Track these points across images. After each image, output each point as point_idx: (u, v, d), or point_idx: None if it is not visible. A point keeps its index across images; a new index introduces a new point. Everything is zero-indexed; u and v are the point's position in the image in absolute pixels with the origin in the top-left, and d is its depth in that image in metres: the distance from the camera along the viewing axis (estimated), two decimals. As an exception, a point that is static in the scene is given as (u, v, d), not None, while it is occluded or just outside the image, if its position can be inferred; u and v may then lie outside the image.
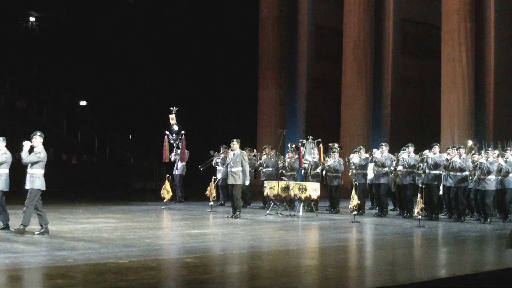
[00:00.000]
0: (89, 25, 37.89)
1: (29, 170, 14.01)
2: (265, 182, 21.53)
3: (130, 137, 39.84)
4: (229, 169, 19.58)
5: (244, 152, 19.88)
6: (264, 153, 24.00)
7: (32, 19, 40.94)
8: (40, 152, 14.00)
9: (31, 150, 14.08)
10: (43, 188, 14.01)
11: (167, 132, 23.01)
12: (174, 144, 23.25)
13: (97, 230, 14.95)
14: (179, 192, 24.22)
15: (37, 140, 14.05)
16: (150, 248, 12.25)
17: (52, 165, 31.12)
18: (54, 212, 19.27)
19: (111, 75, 37.61)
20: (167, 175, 22.62)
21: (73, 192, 27.95)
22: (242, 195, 20.25)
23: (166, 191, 21.94)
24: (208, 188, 21.16)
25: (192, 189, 24.79)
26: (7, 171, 14.34)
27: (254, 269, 10.71)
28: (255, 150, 25.62)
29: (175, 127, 22.87)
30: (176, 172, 24.08)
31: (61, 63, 37.81)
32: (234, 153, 19.43)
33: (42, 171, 14.05)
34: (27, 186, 13.93)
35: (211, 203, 21.13)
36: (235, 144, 19.49)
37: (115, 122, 37.77)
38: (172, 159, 23.63)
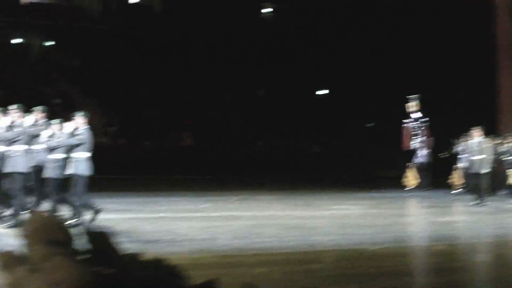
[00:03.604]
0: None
1: (71, 154, 13.07)
2: (509, 170, 20.98)
3: (371, 125, 39.93)
4: (471, 157, 19.32)
5: (485, 140, 19.49)
6: (508, 141, 23.34)
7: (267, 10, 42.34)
8: (82, 134, 13.20)
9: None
10: (88, 173, 13.06)
11: (407, 120, 22.95)
12: (415, 132, 23.14)
13: (344, 216, 15.33)
14: (424, 180, 24.08)
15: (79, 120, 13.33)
16: (399, 235, 12.40)
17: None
18: (304, 198, 19.97)
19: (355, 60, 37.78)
20: (409, 163, 22.58)
21: (316, 179, 28.49)
22: (487, 183, 19.86)
23: (409, 179, 21.94)
24: (453, 176, 20.98)
25: (432, 177, 24.55)
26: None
27: (504, 258, 10.57)
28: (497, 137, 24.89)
29: (416, 115, 22.77)
30: (418, 159, 23.96)
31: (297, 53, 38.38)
32: (475, 141, 19.14)
33: (87, 155, 13.12)
34: (70, 171, 12.98)
35: (456, 191, 20.94)
36: (477, 132, 19.16)
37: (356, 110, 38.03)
38: (412, 146, 23.54)
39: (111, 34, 37.36)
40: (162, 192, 20.70)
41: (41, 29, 36.56)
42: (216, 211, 16.17)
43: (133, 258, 3.40)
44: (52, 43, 36.84)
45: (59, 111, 30.23)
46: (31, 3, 38.22)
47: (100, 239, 3.49)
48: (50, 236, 3.34)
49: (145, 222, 13.42)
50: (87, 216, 12.95)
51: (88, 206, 13.09)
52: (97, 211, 13.07)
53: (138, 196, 19.17)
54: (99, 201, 17.01)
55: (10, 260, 3.32)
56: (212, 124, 33.50)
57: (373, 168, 33.42)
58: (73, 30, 36.51)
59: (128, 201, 17.88)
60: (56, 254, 3.20)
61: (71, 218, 12.87)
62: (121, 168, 26.88)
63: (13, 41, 36.38)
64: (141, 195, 19.65)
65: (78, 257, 3.23)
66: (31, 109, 14.19)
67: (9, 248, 3.32)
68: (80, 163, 12.89)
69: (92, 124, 30.15)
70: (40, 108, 14.19)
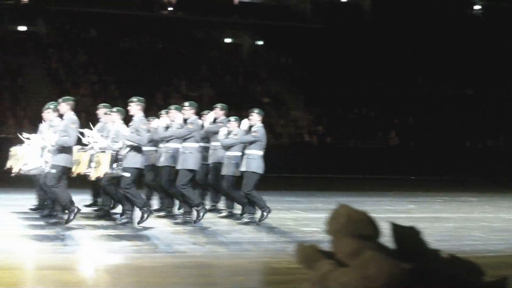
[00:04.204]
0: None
1: (246, 151, 13.10)
2: None
3: None
4: None
5: None
6: None
7: (477, 7, 41.23)
8: (257, 131, 13.17)
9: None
10: (260, 171, 13.05)
11: None
12: None
13: None
14: None
15: (255, 118, 13.33)
16: None
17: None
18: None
19: None
20: None
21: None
22: None
23: None
24: None
25: None
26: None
27: None
28: None
29: None
30: None
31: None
32: None
33: (260, 153, 13.11)
34: (243, 168, 13.07)
35: None
36: None
37: None
38: None
39: (320, 32, 37.91)
40: (368, 192, 20.87)
41: (251, 28, 37.76)
42: (421, 212, 16.14)
43: (435, 254, 3.53)
44: (261, 42, 37.91)
45: (269, 110, 31.21)
46: (241, 3, 39.55)
47: (407, 234, 3.60)
48: (358, 231, 3.47)
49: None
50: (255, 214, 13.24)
51: (257, 205, 13.22)
52: (267, 212, 13.15)
53: (344, 196, 19.42)
54: (310, 200, 17.64)
55: (313, 254, 3.50)
56: (419, 124, 33.14)
57: None
58: (282, 29, 37.40)
59: (335, 200, 18.14)
60: (366, 248, 3.33)
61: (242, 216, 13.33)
62: (328, 167, 27.25)
63: (225, 40, 37.83)
64: (347, 194, 19.90)
65: (387, 252, 3.38)
66: (213, 106, 14.67)
67: (311, 243, 3.51)
68: (253, 161, 12.97)
69: (301, 122, 31.01)
70: (219, 105, 14.56)
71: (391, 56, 36.01)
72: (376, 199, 18.68)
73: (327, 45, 36.58)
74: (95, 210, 13.68)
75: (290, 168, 26.18)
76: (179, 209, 13.77)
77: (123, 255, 9.81)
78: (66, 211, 11.83)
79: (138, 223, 12.15)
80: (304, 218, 14.51)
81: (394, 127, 32.49)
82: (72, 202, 11.86)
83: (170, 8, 37.99)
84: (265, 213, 13.08)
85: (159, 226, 12.38)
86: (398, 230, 3.60)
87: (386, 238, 3.57)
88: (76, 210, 11.84)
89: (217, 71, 33.85)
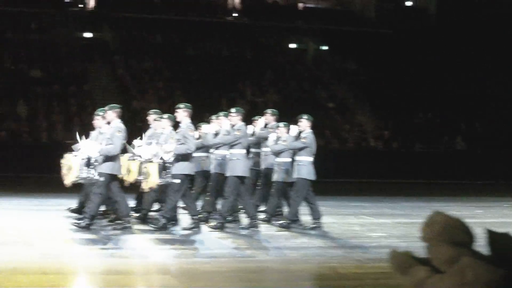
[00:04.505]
0: None
1: (296, 157, 13.03)
2: None
3: None
4: None
5: None
6: None
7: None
8: (306, 138, 13.07)
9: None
10: (311, 177, 12.98)
11: None
12: None
13: None
14: None
15: (304, 123, 13.20)
16: None
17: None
18: None
19: None
20: None
21: None
22: None
23: None
24: None
25: None
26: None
27: None
28: None
29: None
30: None
31: None
32: None
33: (310, 159, 13.04)
34: (295, 175, 12.97)
35: None
36: None
37: None
38: None
39: (385, 37, 37.67)
40: (434, 197, 20.61)
41: (316, 33, 37.70)
42: (488, 217, 15.87)
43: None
44: (326, 47, 37.80)
45: (334, 115, 31.09)
46: (306, 8, 39.55)
47: (503, 240, 3.58)
48: (454, 237, 3.47)
49: (414, 227, 13.39)
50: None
51: (289, 211, 13.15)
52: (286, 223, 13.01)
53: (411, 201, 19.22)
54: (376, 205, 17.49)
55: (408, 261, 3.50)
56: (485, 128, 32.66)
57: None
58: (347, 34, 37.26)
59: (401, 205, 18.06)
60: (463, 255, 3.34)
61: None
62: (394, 172, 26.99)
63: (290, 45, 37.83)
64: (412, 199, 19.70)
65: (482, 258, 3.38)
66: (264, 112, 14.58)
67: (405, 250, 3.53)
68: (303, 167, 12.88)
69: (366, 127, 30.82)
70: (269, 110, 14.49)
71: (456, 60, 35.54)
72: (443, 204, 18.38)
73: (392, 49, 36.30)
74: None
75: (356, 173, 26.02)
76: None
77: (185, 260, 9.85)
78: (85, 218, 11.96)
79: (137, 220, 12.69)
80: (371, 223, 14.40)
81: (460, 131, 32.07)
82: (93, 217, 11.98)
83: (235, 14, 38.17)
84: (284, 222, 12.99)
85: (219, 232, 12.38)
86: (493, 236, 3.57)
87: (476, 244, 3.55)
88: (89, 225, 11.91)
89: (282, 77, 33.84)
